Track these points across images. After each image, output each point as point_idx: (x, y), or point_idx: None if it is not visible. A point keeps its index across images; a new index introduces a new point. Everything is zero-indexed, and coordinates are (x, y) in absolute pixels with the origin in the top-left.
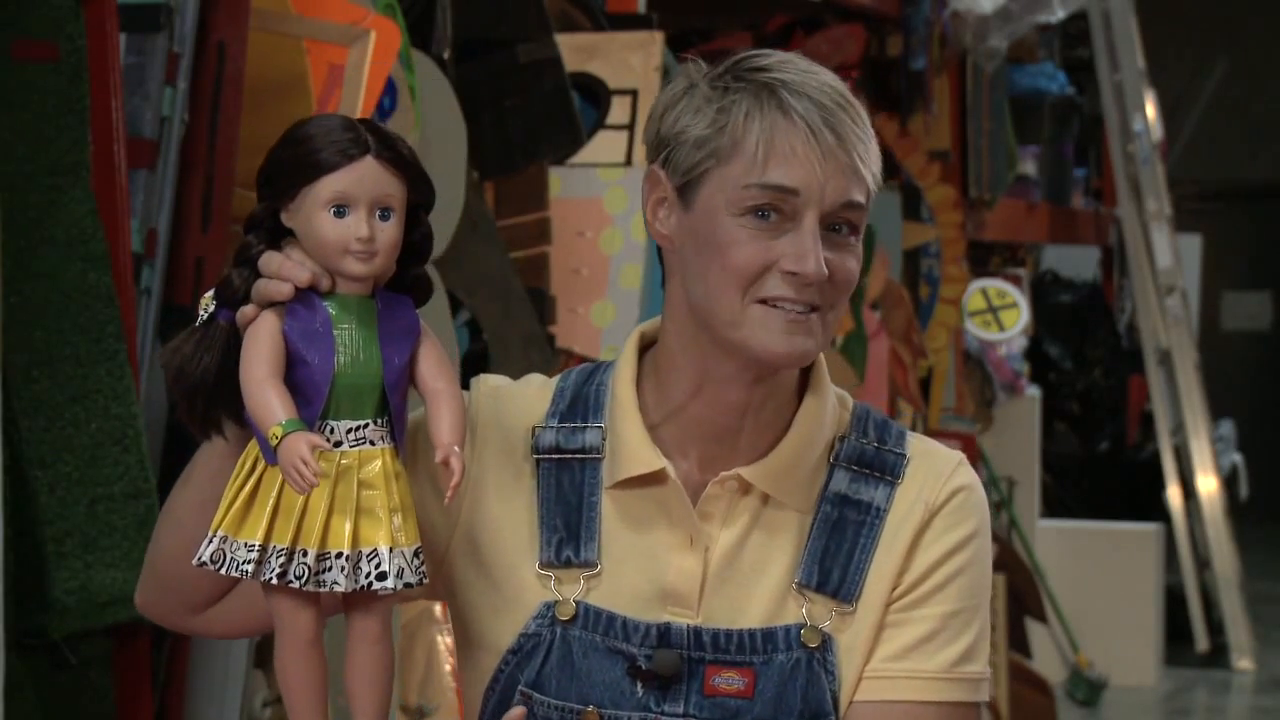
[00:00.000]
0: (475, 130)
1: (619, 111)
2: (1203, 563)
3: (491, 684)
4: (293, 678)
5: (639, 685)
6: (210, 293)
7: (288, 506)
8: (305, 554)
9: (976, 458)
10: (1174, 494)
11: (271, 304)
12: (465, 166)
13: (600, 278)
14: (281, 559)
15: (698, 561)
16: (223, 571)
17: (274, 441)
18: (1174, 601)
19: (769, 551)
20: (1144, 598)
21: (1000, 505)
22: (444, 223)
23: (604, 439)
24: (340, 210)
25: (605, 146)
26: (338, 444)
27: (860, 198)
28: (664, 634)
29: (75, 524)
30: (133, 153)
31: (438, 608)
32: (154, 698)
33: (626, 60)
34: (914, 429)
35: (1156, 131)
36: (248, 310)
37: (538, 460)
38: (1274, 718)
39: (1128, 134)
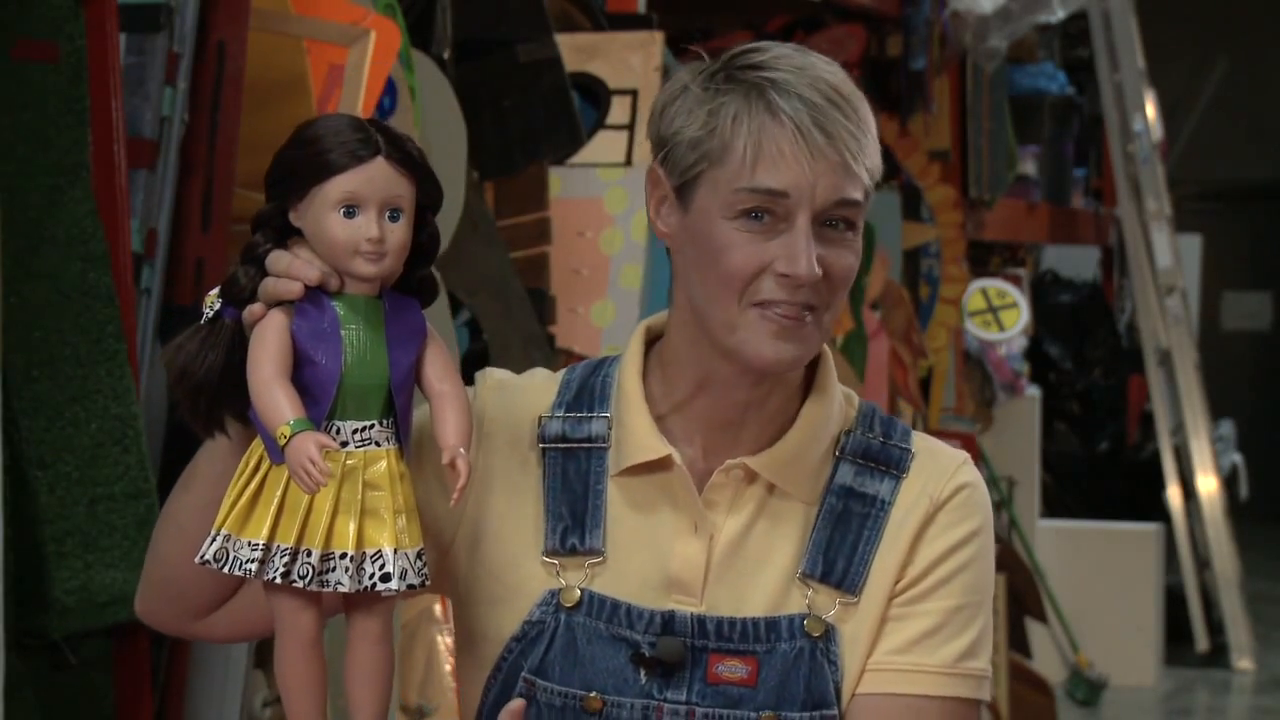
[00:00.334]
0: (475, 130)
1: (619, 111)
2: (1203, 563)
3: (494, 673)
4: (292, 678)
5: (642, 672)
6: (215, 291)
7: (292, 506)
8: (309, 554)
9: (976, 458)
10: (1174, 494)
11: (279, 303)
12: (465, 166)
13: (600, 278)
14: (285, 558)
15: (702, 549)
16: (226, 570)
17: (282, 441)
18: (1174, 601)
19: (773, 541)
20: (1144, 598)
21: (1000, 505)
22: (444, 223)
23: (610, 428)
24: (350, 211)
25: (605, 146)
26: (343, 444)
27: (854, 194)
28: (668, 622)
29: (75, 524)
30: (133, 153)
31: (438, 608)
32: (154, 698)
33: (626, 60)
34: (914, 429)
35: (1156, 131)
36: (255, 308)
37: (544, 449)
38: (1274, 718)
39: (1128, 134)
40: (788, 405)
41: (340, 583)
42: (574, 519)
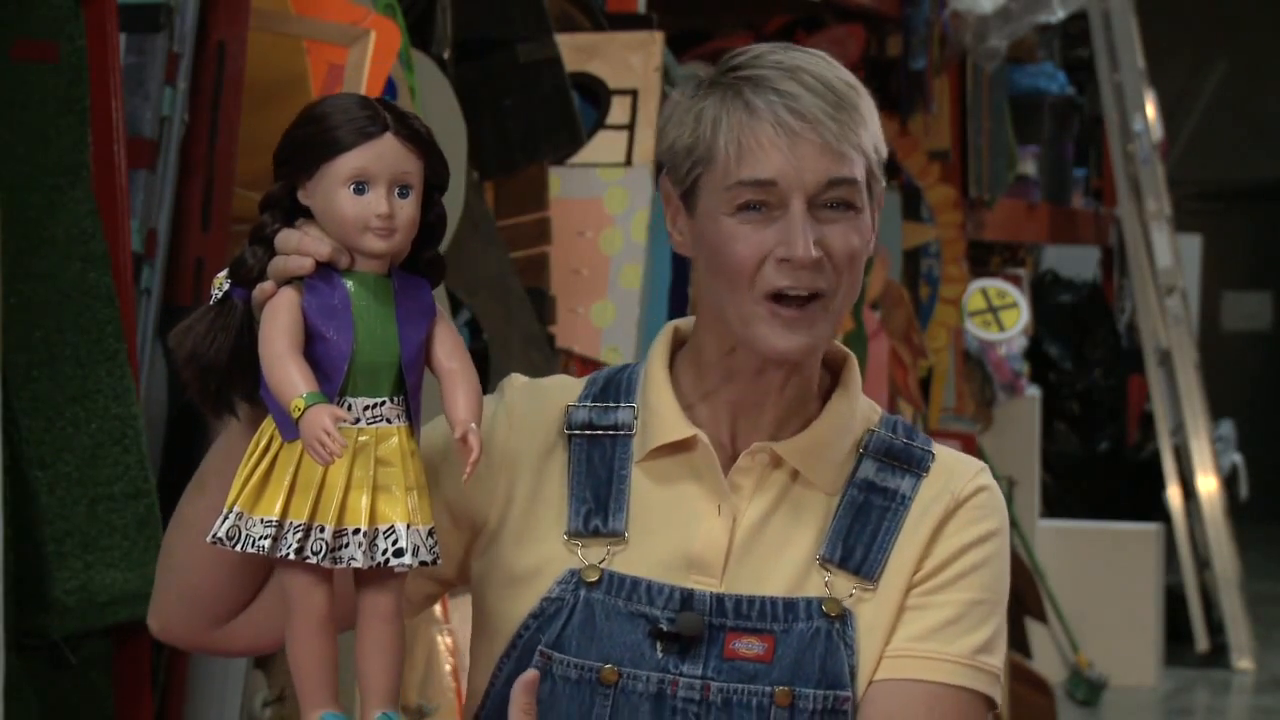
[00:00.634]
0: (475, 130)
1: (619, 111)
2: (1203, 563)
3: (509, 649)
4: (304, 658)
5: (659, 646)
6: (223, 273)
7: (305, 482)
8: (323, 530)
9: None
10: (1174, 494)
11: (289, 280)
12: (465, 166)
13: (600, 278)
14: (299, 535)
15: (725, 531)
16: (238, 549)
17: (296, 414)
18: (1174, 601)
19: (794, 526)
20: (1144, 598)
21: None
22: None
23: (635, 417)
24: (360, 187)
25: (605, 146)
26: (355, 421)
27: (843, 173)
28: (687, 599)
29: (75, 524)
30: (133, 153)
31: (438, 608)
32: (154, 698)
33: (626, 60)
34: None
35: (1156, 131)
36: (266, 286)
37: (569, 436)
38: (1274, 718)
39: (1128, 134)
40: (812, 399)
41: (354, 558)
42: (597, 502)
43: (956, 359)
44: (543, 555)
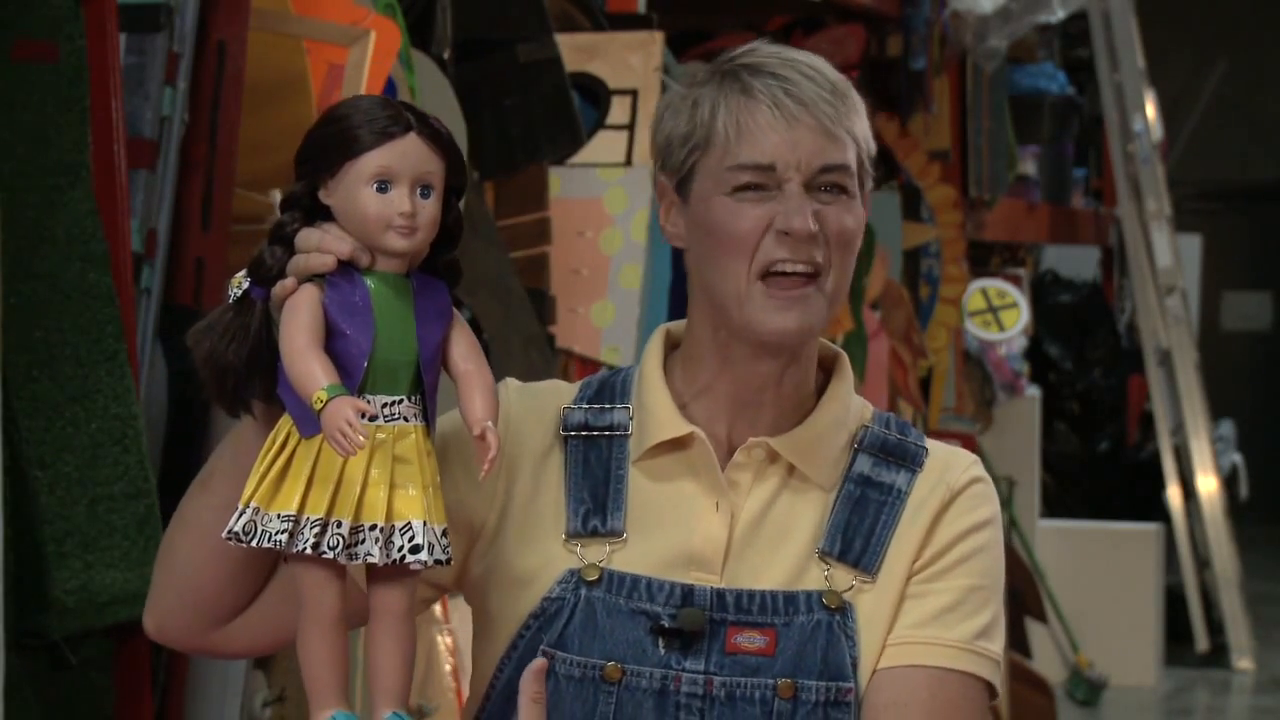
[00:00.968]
0: (475, 130)
1: (619, 111)
2: (1203, 563)
3: (510, 650)
4: (314, 657)
5: (661, 643)
6: (241, 273)
7: (323, 478)
8: (340, 525)
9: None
10: (1174, 494)
11: (310, 279)
12: (465, 167)
13: (600, 278)
14: (316, 530)
15: (724, 526)
16: (254, 544)
17: (318, 406)
18: (1174, 601)
19: (792, 520)
20: (1144, 598)
21: (1000, 505)
22: None
23: (631, 417)
24: (383, 186)
25: (605, 146)
26: (373, 418)
27: (839, 158)
28: (687, 595)
29: (75, 524)
30: (133, 153)
31: (438, 608)
32: (154, 698)
33: (626, 60)
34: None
35: (1156, 131)
36: (287, 283)
37: (566, 438)
38: (1274, 718)
39: (1128, 134)
40: (806, 397)
41: (370, 554)
42: (595, 502)
43: (956, 359)
44: (542, 557)
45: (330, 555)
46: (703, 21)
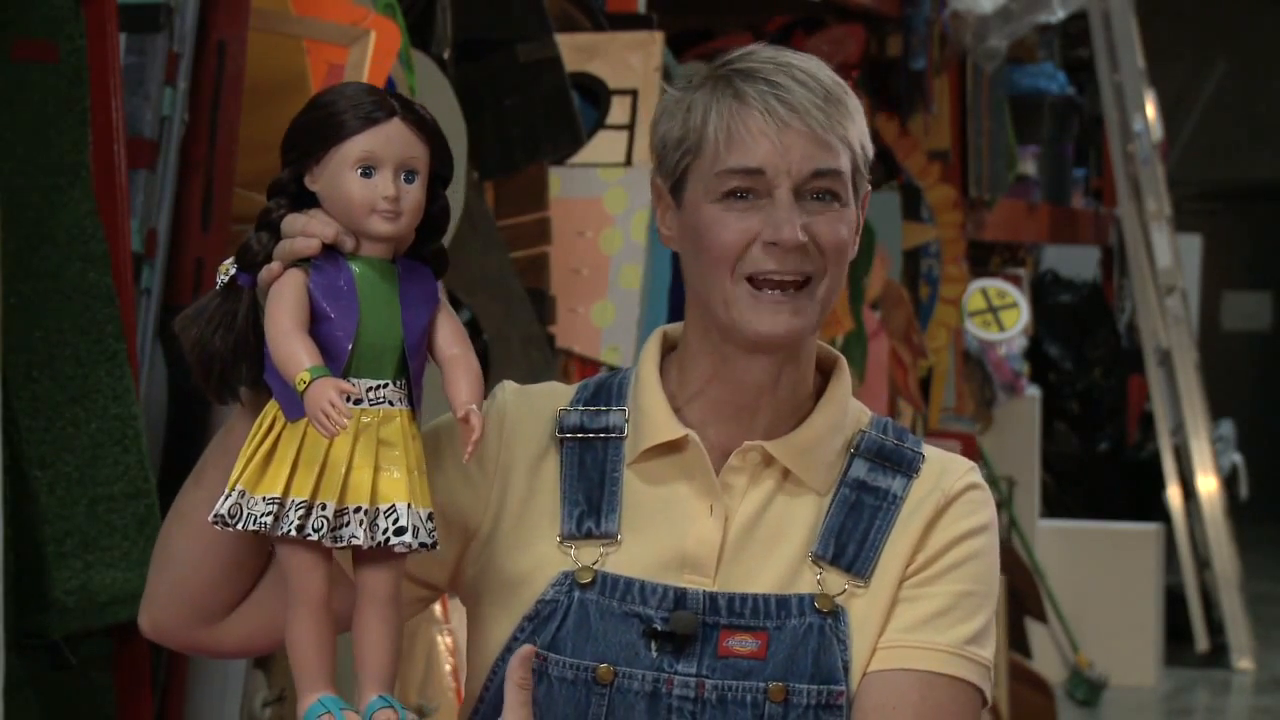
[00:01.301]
0: (475, 130)
1: (619, 111)
2: (1203, 563)
3: (504, 652)
4: (301, 641)
5: (653, 646)
6: (229, 260)
7: (308, 460)
8: (325, 507)
9: (976, 458)
10: (1174, 494)
11: (295, 263)
12: (465, 166)
13: (600, 278)
14: (300, 512)
15: (718, 530)
16: (239, 527)
17: (301, 387)
18: (1174, 601)
19: (786, 524)
20: (1144, 598)
21: (1000, 505)
22: None
23: (626, 420)
24: (367, 171)
25: (605, 146)
26: (358, 402)
27: (830, 163)
28: (680, 598)
29: (75, 524)
30: (133, 153)
31: (437, 608)
32: (154, 698)
33: (626, 60)
34: (914, 429)
35: (1156, 131)
36: (273, 267)
37: (561, 440)
38: (1274, 718)
39: (1128, 134)
40: (803, 400)
41: (355, 536)
42: (590, 505)
43: (956, 359)
44: (536, 558)
45: (315, 538)
46: (703, 21)
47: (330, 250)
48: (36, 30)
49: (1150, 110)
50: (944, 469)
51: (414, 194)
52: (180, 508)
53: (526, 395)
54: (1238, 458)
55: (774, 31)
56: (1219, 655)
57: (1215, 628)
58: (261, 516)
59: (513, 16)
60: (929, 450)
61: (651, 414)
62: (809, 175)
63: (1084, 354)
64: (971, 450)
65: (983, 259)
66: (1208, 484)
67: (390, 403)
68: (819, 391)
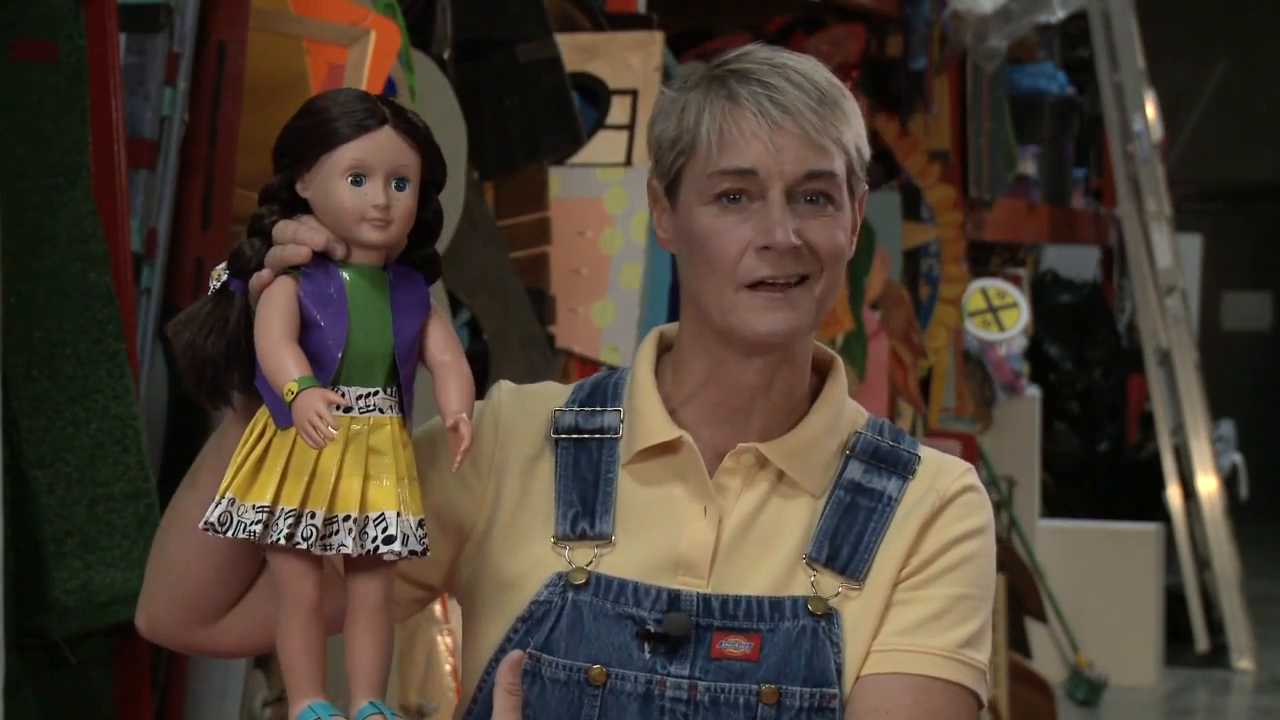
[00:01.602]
0: (475, 130)
1: (619, 111)
2: (1203, 563)
3: (498, 654)
4: (292, 647)
5: (646, 647)
6: (221, 265)
7: (298, 469)
8: (314, 516)
9: (976, 458)
10: (1174, 494)
11: (286, 270)
12: (465, 166)
13: (600, 278)
14: (290, 520)
15: (711, 531)
16: (229, 534)
17: (289, 398)
18: (1174, 601)
19: (780, 526)
20: (1144, 598)
21: (1000, 505)
22: (445, 221)
23: (621, 420)
24: (358, 179)
25: (605, 146)
26: (348, 410)
27: (823, 165)
28: (674, 599)
29: (75, 524)
30: (133, 153)
31: (438, 608)
32: (154, 698)
33: (626, 60)
34: (914, 429)
35: (1156, 131)
36: (263, 275)
37: (556, 440)
38: (1274, 718)
39: (1128, 134)
40: (799, 402)
41: (344, 544)
42: (584, 505)
43: (956, 359)
44: (530, 559)
45: (304, 546)
46: (703, 21)
47: (321, 257)
48: (36, 30)
49: (1150, 110)
50: (940, 470)
51: (405, 202)
52: (175, 509)
53: (522, 395)
54: (1238, 458)
55: (774, 31)
56: (1219, 655)
57: (1215, 628)
58: (251, 525)
59: (513, 16)
60: (925, 452)
61: (646, 415)
62: (802, 177)
63: (1084, 354)
64: (971, 450)
65: (983, 259)
66: (1208, 484)
67: (380, 410)
68: (815, 392)
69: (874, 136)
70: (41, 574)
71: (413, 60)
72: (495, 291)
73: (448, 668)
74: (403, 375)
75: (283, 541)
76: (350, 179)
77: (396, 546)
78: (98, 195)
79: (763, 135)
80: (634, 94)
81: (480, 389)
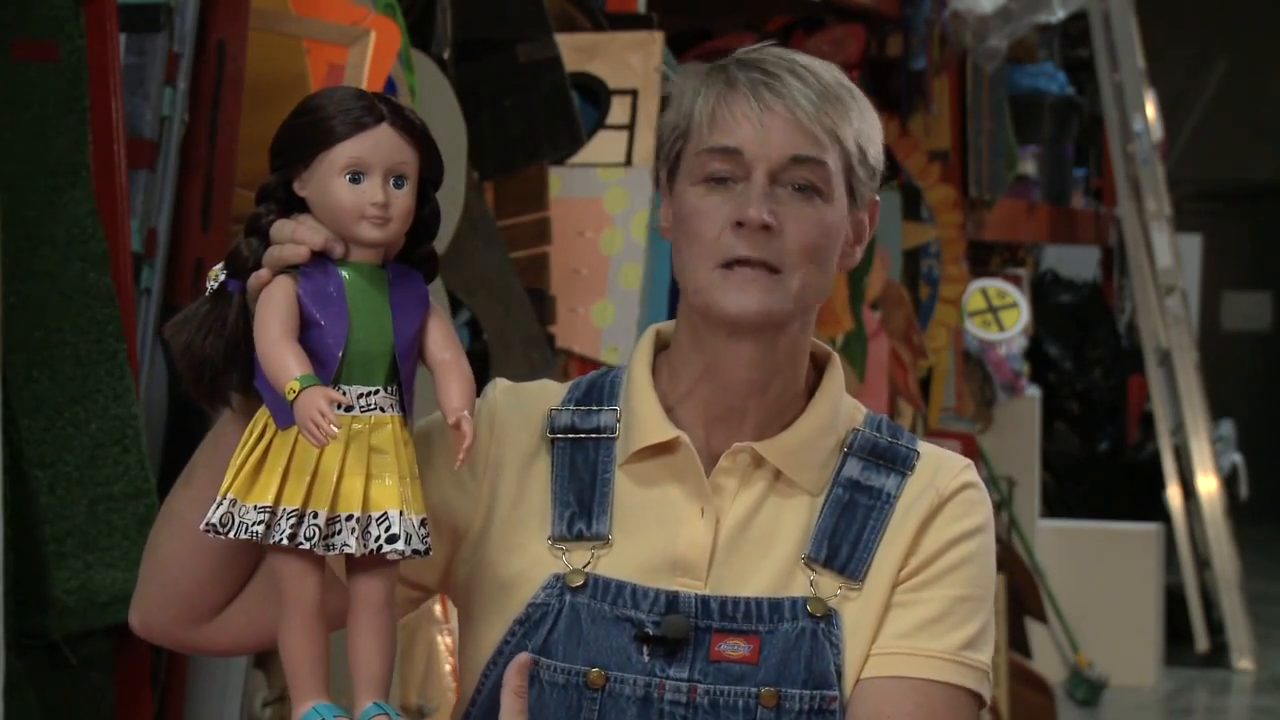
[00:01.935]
0: (475, 130)
1: (619, 111)
2: (1203, 563)
3: (495, 656)
4: (295, 647)
5: (645, 650)
6: (219, 265)
7: (299, 469)
8: (316, 515)
9: (976, 458)
10: (1174, 494)
11: (285, 270)
12: (465, 166)
13: (600, 278)
14: (292, 520)
15: (708, 532)
16: (231, 535)
17: (291, 396)
18: (1174, 601)
19: (778, 526)
20: (1144, 598)
21: (1000, 505)
22: (444, 223)
23: (618, 420)
24: (356, 176)
25: (605, 146)
26: (349, 409)
27: (809, 152)
28: (672, 602)
29: (75, 524)
30: (133, 153)
31: (437, 608)
32: (154, 698)
33: (626, 60)
34: (914, 429)
35: (1156, 131)
36: (262, 274)
37: (552, 440)
38: (1274, 718)
39: (1128, 134)
40: (794, 400)
41: (346, 544)
42: (581, 506)
43: (956, 359)
44: (527, 560)
45: (307, 546)
46: (703, 21)
47: (319, 256)
48: (36, 30)
49: (1150, 110)
50: (939, 466)
51: (403, 199)
52: (170, 508)
53: (517, 394)
54: (1238, 458)
55: (774, 32)
56: (1219, 655)
57: (1215, 628)
58: (253, 525)
59: (513, 16)
60: (924, 447)
61: (643, 415)
62: (787, 161)
63: (1084, 354)
64: (971, 450)
65: (983, 259)
66: (1208, 484)
67: (382, 409)
68: (813, 389)
69: None
70: (41, 574)
71: (413, 60)
72: (495, 291)
73: (448, 668)
74: (403, 373)
75: (285, 542)
76: (348, 177)
77: (400, 546)
78: (98, 195)
79: (753, 117)
80: (634, 94)
81: (480, 389)
